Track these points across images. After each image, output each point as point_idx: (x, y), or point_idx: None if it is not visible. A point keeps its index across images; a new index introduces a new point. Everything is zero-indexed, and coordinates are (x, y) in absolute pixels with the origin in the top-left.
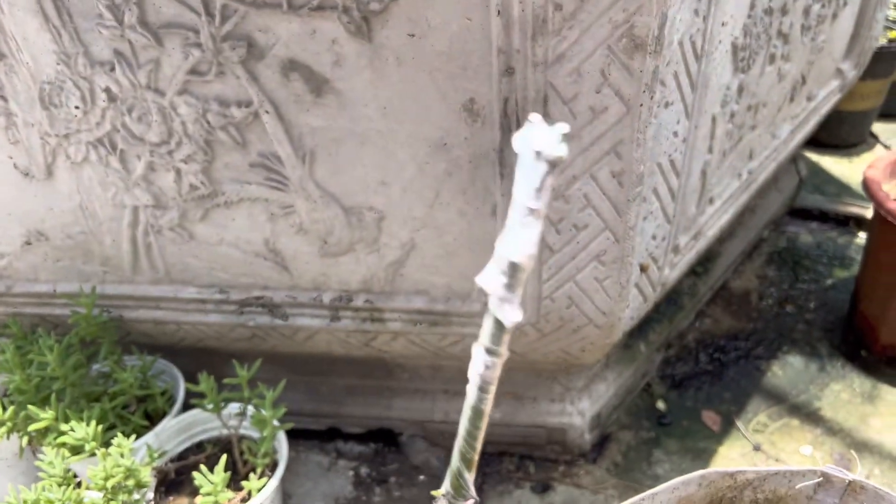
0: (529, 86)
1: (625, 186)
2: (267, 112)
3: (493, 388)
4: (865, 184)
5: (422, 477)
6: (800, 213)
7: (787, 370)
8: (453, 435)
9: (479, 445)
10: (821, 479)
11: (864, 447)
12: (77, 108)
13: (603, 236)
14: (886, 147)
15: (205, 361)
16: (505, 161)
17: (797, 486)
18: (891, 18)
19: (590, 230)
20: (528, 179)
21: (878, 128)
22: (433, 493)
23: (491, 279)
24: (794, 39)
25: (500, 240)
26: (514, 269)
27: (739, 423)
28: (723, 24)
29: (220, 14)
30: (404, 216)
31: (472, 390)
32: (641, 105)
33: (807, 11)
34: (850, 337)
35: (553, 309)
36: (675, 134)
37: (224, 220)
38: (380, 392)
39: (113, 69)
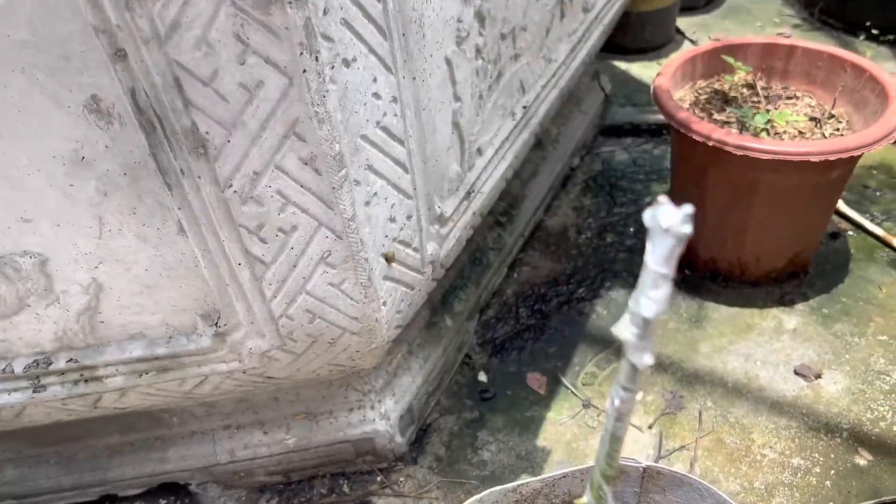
0: (152, 69)
1: (323, 173)
2: None
3: (628, 418)
4: (655, 94)
5: None
6: (612, 131)
7: (612, 308)
8: (249, 472)
9: (617, 464)
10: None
11: (695, 379)
12: None
13: (320, 235)
14: (693, 42)
15: None
16: (166, 168)
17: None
18: None
19: (301, 232)
20: (657, 250)
21: (683, 23)
22: (576, 501)
23: (626, 330)
24: None
25: (633, 298)
26: (646, 324)
27: (566, 380)
28: None
29: None
30: (72, 254)
31: (609, 421)
32: (305, 71)
33: None
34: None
35: (295, 327)
36: (378, 96)
37: None
38: (149, 445)
39: None
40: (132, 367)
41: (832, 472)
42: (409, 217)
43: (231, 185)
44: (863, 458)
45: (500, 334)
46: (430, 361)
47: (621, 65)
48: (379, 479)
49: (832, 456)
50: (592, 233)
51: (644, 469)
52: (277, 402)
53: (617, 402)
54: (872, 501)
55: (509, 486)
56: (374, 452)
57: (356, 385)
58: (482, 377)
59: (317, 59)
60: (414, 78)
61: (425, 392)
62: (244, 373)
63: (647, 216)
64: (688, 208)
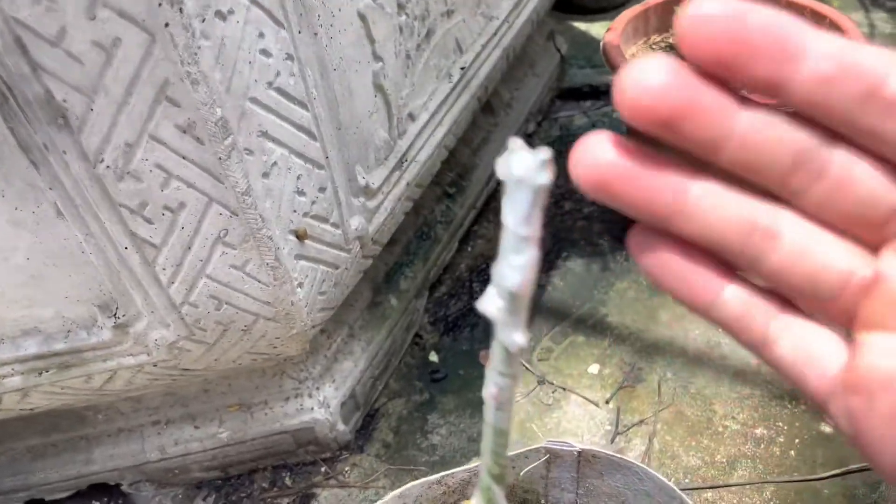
0: None
1: (206, 142)
2: None
3: (510, 407)
4: (604, 50)
5: None
6: (571, 94)
7: (569, 279)
8: (183, 469)
9: (505, 461)
10: (547, 455)
11: (654, 349)
12: None
13: (213, 212)
14: None
15: None
16: (27, 144)
17: (523, 472)
18: None
19: (190, 209)
20: (514, 206)
21: None
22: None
23: (491, 305)
24: None
25: (494, 268)
26: (511, 297)
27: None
28: None
29: None
30: None
31: (489, 412)
32: (168, 25)
33: None
34: (630, 223)
35: (201, 314)
36: (267, 53)
37: None
38: (74, 445)
39: None
40: (30, 366)
41: (797, 440)
42: (322, 189)
43: (102, 160)
44: (828, 426)
45: (452, 311)
46: (375, 344)
47: (581, 25)
48: (323, 469)
49: (797, 424)
50: (549, 201)
51: (579, 453)
52: (208, 393)
53: (493, 390)
54: (839, 470)
55: (433, 477)
56: (315, 442)
57: (291, 373)
58: (433, 357)
59: (181, 10)
60: (316, 34)
61: (370, 376)
62: (155, 366)
63: (500, 165)
64: (544, 151)
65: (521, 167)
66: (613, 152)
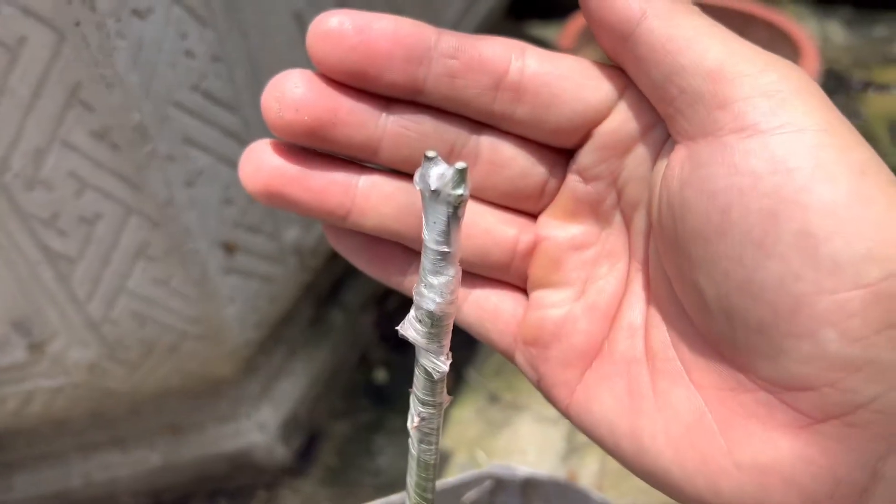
0: None
1: (123, 149)
2: None
3: (436, 439)
4: None
5: None
6: None
7: None
8: (110, 496)
9: (432, 496)
10: (491, 481)
11: None
12: None
13: (132, 224)
14: None
15: None
16: None
17: (465, 496)
18: None
19: (108, 220)
20: (433, 221)
21: None
22: None
23: (412, 329)
24: None
25: (415, 288)
26: (433, 319)
27: (472, 372)
28: None
29: None
30: None
31: (413, 444)
32: (79, 24)
33: None
34: None
35: (124, 333)
36: (191, 54)
37: None
38: None
39: None
40: None
41: None
42: (253, 199)
43: (10, 168)
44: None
45: None
46: (318, 362)
47: (539, 31)
48: (262, 495)
49: None
50: None
51: (524, 478)
52: (138, 415)
53: (416, 421)
54: None
55: None
56: (254, 466)
57: (227, 393)
58: (382, 375)
59: (93, 8)
60: (246, 35)
61: (313, 396)
62: (76, 388)
63: (416, 177)
64: (459, 164)
65: (437, 179)
66: (278, 157)
